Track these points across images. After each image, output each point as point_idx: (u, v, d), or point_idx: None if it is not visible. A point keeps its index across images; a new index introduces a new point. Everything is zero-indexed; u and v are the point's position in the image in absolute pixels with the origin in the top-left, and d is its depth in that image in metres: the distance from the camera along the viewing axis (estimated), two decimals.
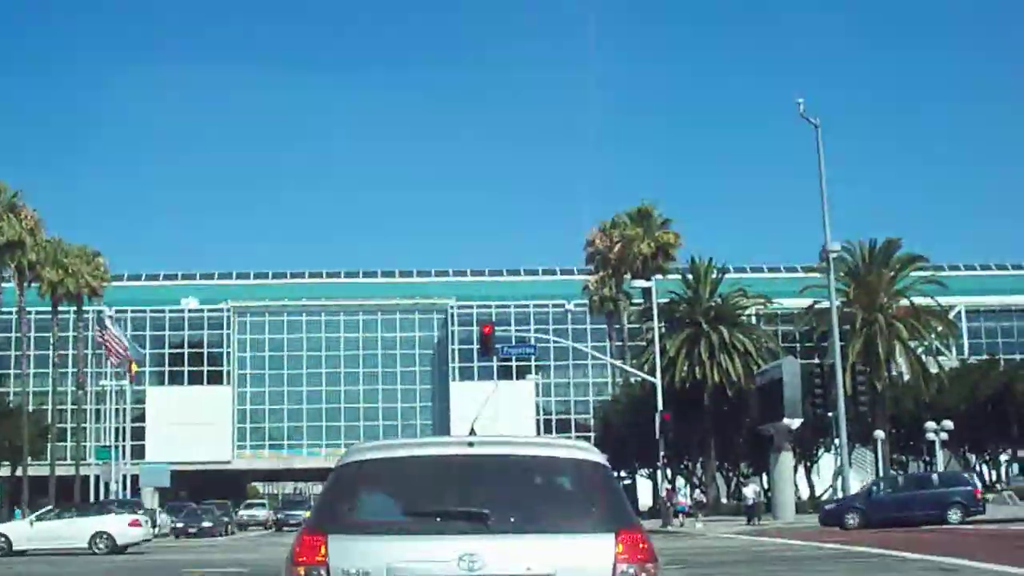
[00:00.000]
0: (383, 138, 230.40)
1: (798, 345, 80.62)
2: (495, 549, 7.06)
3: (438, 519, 7.31)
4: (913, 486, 50.44)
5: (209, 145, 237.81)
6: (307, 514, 64.00)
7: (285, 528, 71.18)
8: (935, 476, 53.65)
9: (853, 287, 67.65)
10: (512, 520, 7.28)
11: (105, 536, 41.54)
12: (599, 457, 8.12)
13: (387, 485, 7.82)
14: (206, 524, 66.52)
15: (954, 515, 44.44)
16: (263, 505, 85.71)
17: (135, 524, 43.55)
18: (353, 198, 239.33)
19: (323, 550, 7.20)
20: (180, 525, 66.91)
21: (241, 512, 79.76)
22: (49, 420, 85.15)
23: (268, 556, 37.90)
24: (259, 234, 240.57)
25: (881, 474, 64.03)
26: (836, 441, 67.23)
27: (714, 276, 73.16)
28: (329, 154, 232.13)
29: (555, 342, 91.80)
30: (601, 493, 7.73)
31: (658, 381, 59.81)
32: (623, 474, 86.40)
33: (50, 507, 54.23)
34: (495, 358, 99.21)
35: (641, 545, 7.31)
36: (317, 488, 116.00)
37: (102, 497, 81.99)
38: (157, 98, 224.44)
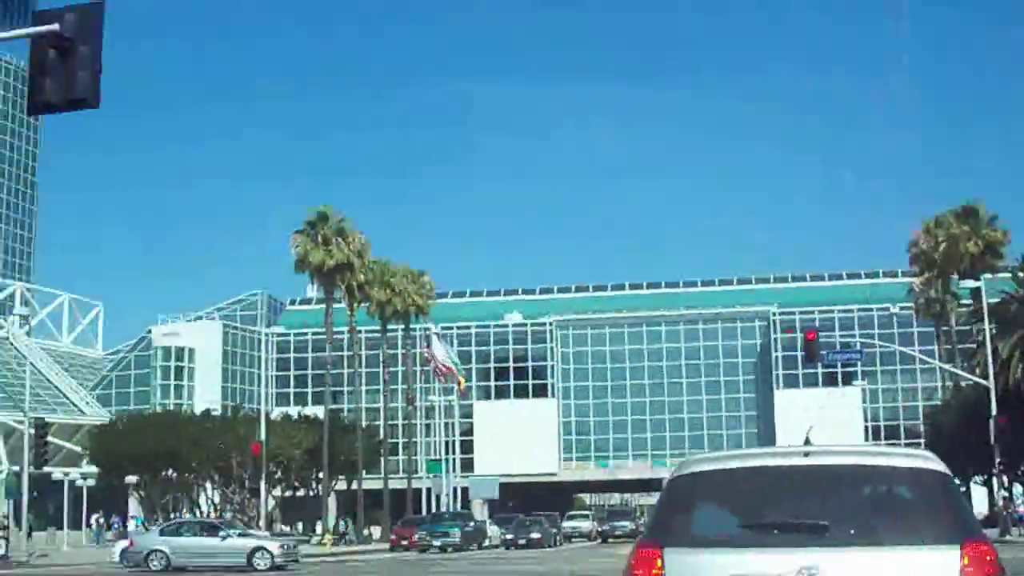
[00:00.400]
0: (695, 143, 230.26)
1: None
2: (835, 562, 6.80)
3: (776, 531, 7.08)
4: None
5: (531, 169, 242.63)
6: (631, 525, 63.62)
7: (610, 539, 70.85)
8: None
9: None
10: (852, 532, 7.01)
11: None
12: (939, 465, 7.68)
13: (722, 497, 7.61)
14: (535, 535, 66.61)
15: None
16: (586, 517, 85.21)
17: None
18: (671, 209, 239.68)
19: (659, 563, 7.12)
20: (510, 537, 67.29)
21: (564, 524, 79.66)
22: (382, 435, 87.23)
23: (596, 567, 37.83)
24: (578, 248, 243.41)
25: None
26: None
27: None
28: (645, 163, 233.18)
29: (881, 347, 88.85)
30: (943, 503, 7.38)
31: (991, 385, 57.02)
32: (956, 482, 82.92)
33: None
34: (819, 365, 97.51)
35: (988, 558, 6.93)
36: (641, 499, 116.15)
37: (433, 509, 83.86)
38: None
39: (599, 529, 77.94)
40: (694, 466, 7.81)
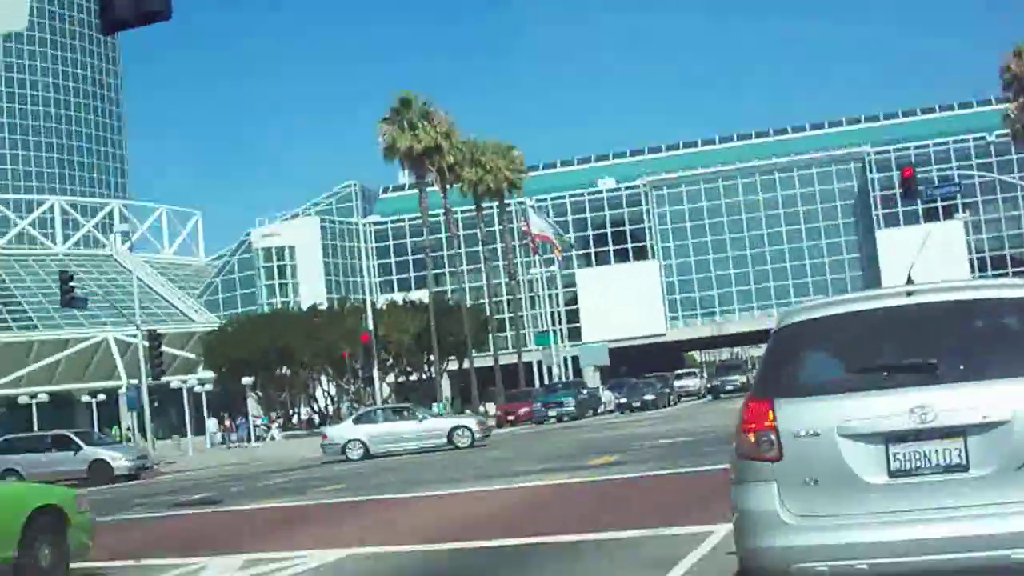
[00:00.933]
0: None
1: None
2: (946, 399, 6.63)
3: (884, 374, 6.93)
4: None
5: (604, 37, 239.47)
6: (741, 378, 62.93)
7: (721, 395, 70.24)
8: None
9: None
10: (961, 368, 6.83)
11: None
12: None
13: (828, 344, 7.43)
14: (648, 397, 66.87)
15: None
16: (693, 374, 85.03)
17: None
18: (755, 56, 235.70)
19: (771, 415, 6.97)
20: (624, 400, 67.64)
21: (673, 383, 79.10)
22: (487, 313, 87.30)
23: (712, 423, 37.51)
24: (663, 107, 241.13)
25: None
26: None
27: None
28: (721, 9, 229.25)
29: (980, 177, 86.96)
30: None
31: None
32: None
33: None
34: (919, 201, 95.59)
35: None
36: (751, 351, 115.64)
37: (544, 381, 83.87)
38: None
39: (709, 385, 77.62)
40: (797, 315, 7.66)
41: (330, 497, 23.51)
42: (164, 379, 66.06)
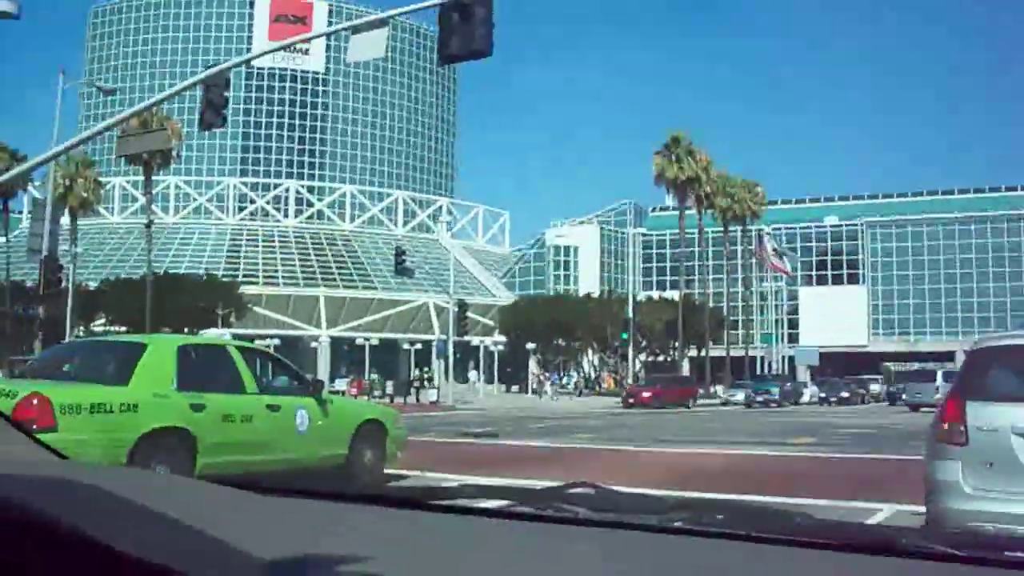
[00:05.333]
0: None
1: None
2: None
3: None
4: None
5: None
6: (934, 394, 59.79)
7: (898, 401, 63.05)
8: None
9: None
10: None
11: None
12: None
13: (1010, 364, 7.73)
14: (844, 394, 64.94)
15: None
16: (875, 381, 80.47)
17: None
18: (957, 123, 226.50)
19: (962, 412, 7.39)
20: (823, 395, 65.74)
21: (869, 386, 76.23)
22: (725, 313, 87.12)
23: (891, 421, 36.82)
24: (890, 156, 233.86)
25: None
26: None
27: None
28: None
29: None
30: None
31: None
32: None
33: None
34: None
35: None
36: (939, 368, 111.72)
37: (766, 372, 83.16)
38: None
39: (889, 390, 70.20)
40: (988, 341, 8.12)
41: (579, 443, 23.41)
42: (467, 338, 67.96)
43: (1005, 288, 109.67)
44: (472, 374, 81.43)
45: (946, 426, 7.49)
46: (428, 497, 2.25)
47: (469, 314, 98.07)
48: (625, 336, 65.62)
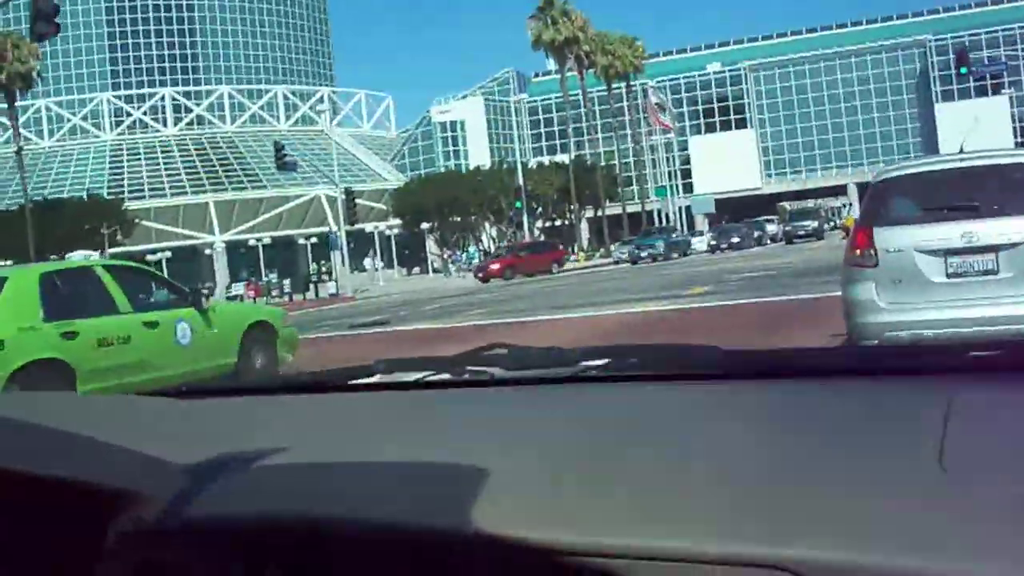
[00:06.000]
0: None
1: None
2: (985, 228, 7.92)
3: (945, 211, 8.21)
4: None
5: None
6: (814, 223, 58.94)
7: (795, 240, 61.90)
8: None
9: None
10: (995, 208, 8.06)
11: None
12: None
13: (909, 191, 8.69)
14: (735, 240, 62.47)
15: None
16: (772, 221, 77.98)
17: None
18: None
19: (870, 235, 8.27)
20: (714, 243, 63.29)
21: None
22: (617, 171, 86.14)
23: (786, 260, 35.91)
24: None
25: None
26: None
27: None
28: None
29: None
30: None
31: None
32: None
33: None
34: (971, 80, 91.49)
35: None
36: (831, 202, 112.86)
37: (665, 224, 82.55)
38: None
39: (784, 229, 67.88)
40: (888, 172, 9.15)
41: (470, 320, 22.74)
42: (359, 225, 66.11)
43: (889, 118, 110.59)
44: (368, 262, 79.75)
45: (858, 251, 8.34)
46: (343, 378, 2.23)
47: (361, 201, 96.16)
48: (519, 205, 63.90)
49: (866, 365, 1.77)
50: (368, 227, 77.04)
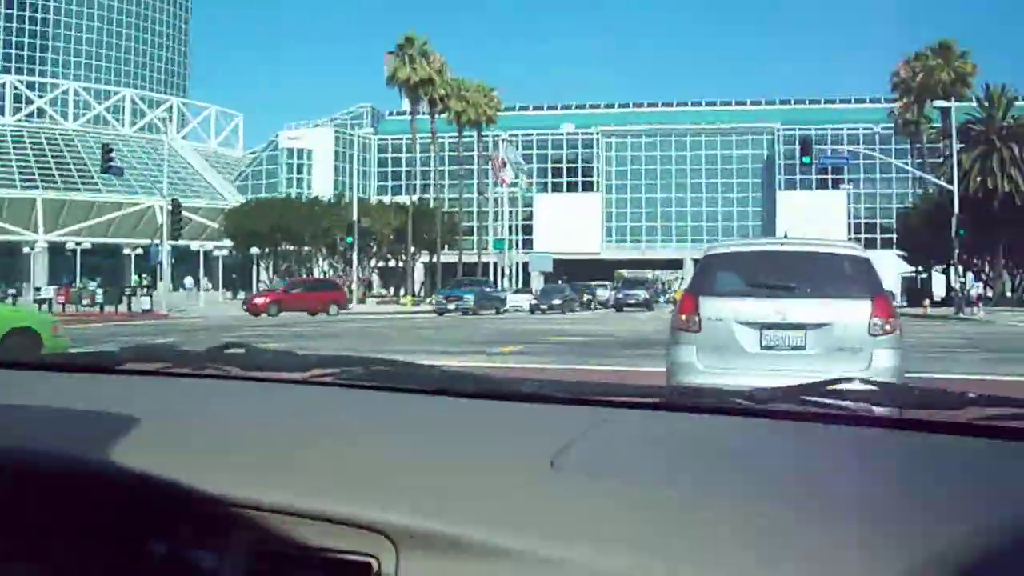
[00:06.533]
0: None
1: None
2: (797, 307, 8.59)
3: (765, 289, 8.74)
4: None
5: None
6: (645, 294, 57.31)
7: (625, 308, 60.73)
8: None
9: None
10: (809, 290, 8.73)
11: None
12: (863, 253, 9.42)
13: (733, 268, 9.28)
14: (556, 302, 57.76)
15: None
16: (603, 286, 76.92)
17: None
18: (693, 43, 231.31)
19: (695, 304, 8.77)
20: (534, 302, 58.46)
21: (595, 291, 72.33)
22: (457, 219, 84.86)
23: (609, 328, 34.38)
24: (622, 69, 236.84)
25: None
26: None
27: (1007, 99, 64.59)
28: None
29: (865, 154, 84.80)
30: (865, 275, 8.84)
31: (955, 188, 53.00)
32: (918, 269, 79.69)
33: None
34: (813, 171, 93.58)
35: (886, 305, 8.66)
36: (665, 274, 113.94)
37: (500, 278, 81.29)
38: None
39: (616, 296, 66.12)
40: (717, 249, 9.91)
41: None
42: (184, 242, 63.05)
43: (732, 199, 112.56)
44: (188, 280, 76.23)
45: (684, 317, 8.83)
46: (97, 362, 2.37)
47: (196, 218, 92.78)
48: (350, 240, 61.52)
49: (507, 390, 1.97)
50: (194, 245, 73.77)
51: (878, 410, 1.79)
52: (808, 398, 1.79)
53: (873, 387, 1.81)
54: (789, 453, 1.52)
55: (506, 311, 56.63)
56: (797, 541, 1.11)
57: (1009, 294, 66.49)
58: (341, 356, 2.33)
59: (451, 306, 52.28)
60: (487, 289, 59.83)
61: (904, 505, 1.23)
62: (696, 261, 9.96)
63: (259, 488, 1.34)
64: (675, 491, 1.26)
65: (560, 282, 75.32)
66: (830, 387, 1.74)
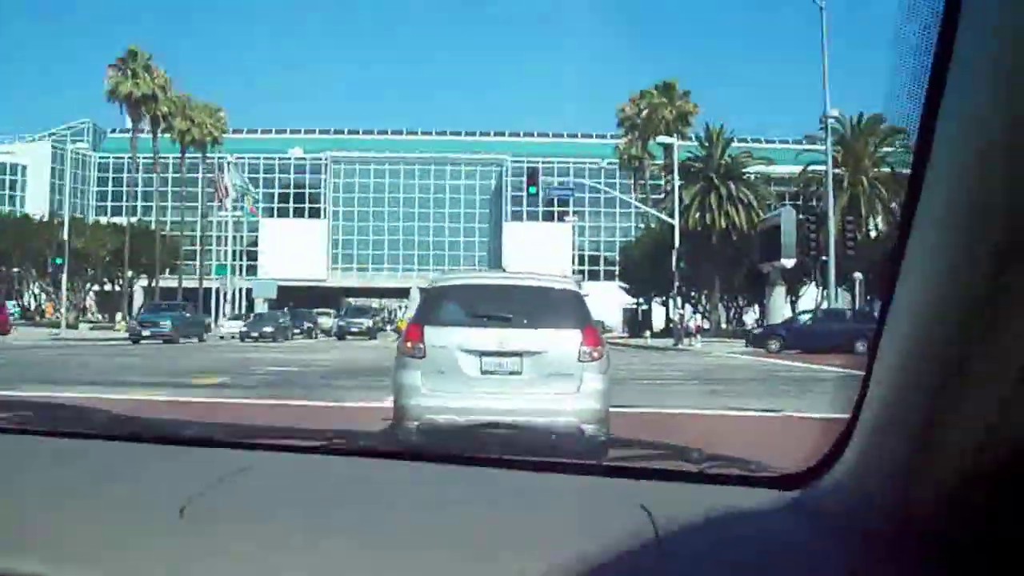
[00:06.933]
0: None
1: (793, 204, 75.64)
2: (515, 336, 9.21)
3: (485, 319, 9.36)
4: (831, 319, 43.84)
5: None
6: (368, 323, 55.69)
7: (348, 336, 59.60)
8: (848, 312, 46.73)
9: (842, 153, 61.72)
10: (525, 321, 9.33)
11: None
12: (576, 287, 10.15)
13: (457, 299, 9.85)
14: (267, 329, 54.70)
15: (860, 346, 39.59)
16: (328, 314, 75.54)
17: None
18: (426, 71, 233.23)
19: (421, 332, 9.30)
20: (244, 330, 55.39)
21: (316, 319, 70.84)
22: (178, 243, 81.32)
23: (326, 357, 33.18)
24: (353, 93, 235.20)
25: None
26: (817, 279, 63.44)
27: (724, 139, 67.90)
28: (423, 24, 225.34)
29: (591, 188, 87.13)
30: (576, 308, 9.60)
31: (676, 223, 55.06)
32: (640, 301, 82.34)
33: None
34: (540, 204, 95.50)
35: (595, 335, 9.44)
36: (393, 303, 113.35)
37: (222, 304, 78.33)
38: None
39: (338, 324, 64.86)
40: (442, 280, 10.52)
41: None
42: None
43: (460, 229, 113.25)
44: None
45: (409, 344, 9.28)
46: None
47: None
48: (59, 261, 57.40)
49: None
50: None
51: (530, 456, 1.91)
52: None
53: (509, 430, 2.04)
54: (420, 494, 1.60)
55: (221, 338, 53.67)
56: None
57: (724, 325, 69.67)
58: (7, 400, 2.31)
59: (146, 332, 47.15)
60: (187, 314, 53.69)
61: (519, 540, 1.35)
62: (423, 290, 10.49)
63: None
64: (306, 535, 1.30)
65: (285, 309, 73.19)
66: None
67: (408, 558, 1.28)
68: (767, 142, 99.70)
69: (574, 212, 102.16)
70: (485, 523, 1.44)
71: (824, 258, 47.93)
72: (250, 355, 34.65)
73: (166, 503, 1.35)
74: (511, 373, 9.08)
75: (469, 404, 8.76)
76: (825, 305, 51.93)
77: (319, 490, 1.53)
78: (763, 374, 26.36)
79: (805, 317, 48.14)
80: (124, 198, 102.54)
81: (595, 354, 9.14)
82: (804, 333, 42.69)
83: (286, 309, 72.68)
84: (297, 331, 63.79)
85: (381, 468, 1.74)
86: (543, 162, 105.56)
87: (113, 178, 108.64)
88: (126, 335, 49.42)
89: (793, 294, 69.22)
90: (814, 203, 61.40)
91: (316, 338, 63.21)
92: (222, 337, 53.58)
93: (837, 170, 58.28)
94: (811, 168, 64.70)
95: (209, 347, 44.11)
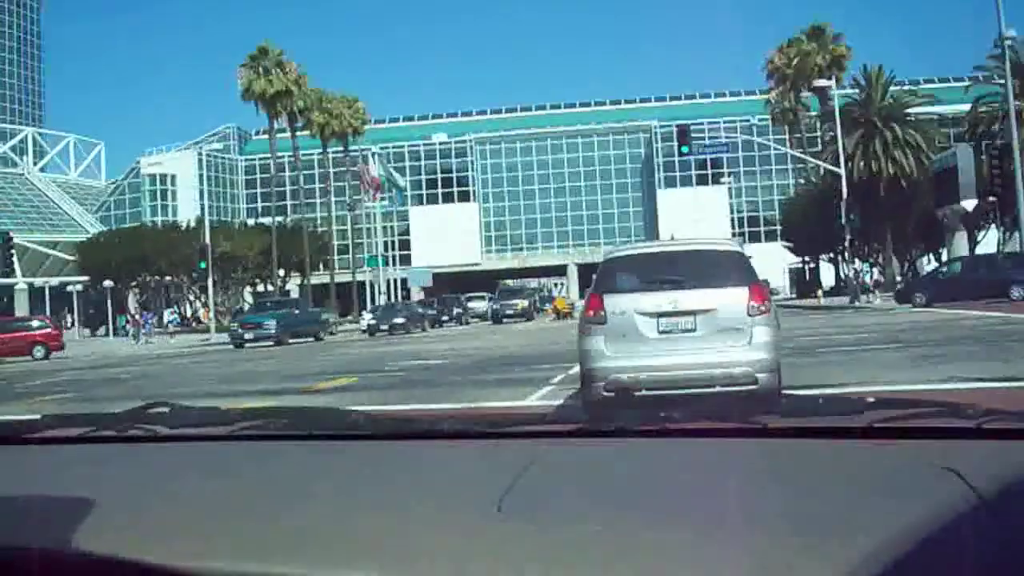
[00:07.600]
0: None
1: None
2: (687, 297, 9.84)
3: (658, 284, 10.02)
4: (980, 267, 40.82)
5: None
6: (525, 303, 52.20)
7: (503, 319, 56.46)
8: (1001, 258, 43.15)
9: (1018, 83, 55.11)
10: (695, 282, 9.92)
11: None
12: (740, 248, 11.00)
13: (631, 268, 10.61)
14: (398, 321, 50.42)
15: (1016, 292, 36.22)
16: (481, 298, 72.32)
17: None
18: (563, 44, 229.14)
19: (601, 301, 10.00)
20: (373, 323, 51.03)
21: (469, 305, 67.53)
22: (327, 238, 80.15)
23: (475, 345, 29.81)
24: (490, 73, 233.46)
25: None
26: (1000, 221, 57.80)
27: (884, 80, 62.06)
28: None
29: (744, 146, 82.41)
30: (741, 267, 10.17)
31: (842, 171, 50.03)
32: (806, 259, 77.42)
33: None
34: (693, 167, 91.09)
35: (761, 291, 9.97)
36: (551, 281, 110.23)
37: (377, 297, 76.54)
38: None
39: (493, 308, 61.72)
40: (615, 253, 11.25)
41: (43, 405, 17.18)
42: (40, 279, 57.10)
43: (612, 201, 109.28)
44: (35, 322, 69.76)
45: (591, 313, 10.04)
46: (8, 432, 2.24)
47: (56, 253, 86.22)
48: (203, 265, 56.01)
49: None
50: (38, 281, 67.59)
51: (782, 421, 1.87)
52: (707, 413, 1.93)
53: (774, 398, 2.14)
54: (700, 472, 1.55)
55: (322, 337, 47.49)
56: (723, 559, 1.15)
57: (898, 279, 64.07)
58: (262, 408, 2.34)
59: (248, 335, 42.88)
60: (296, 311, 49.03)
61: (815, 514, 1.26)
62: (581, 267, 12.13)
63: (234, 559, 1.26)
64: (615, 527, 1.26)
65: (444, 296, 71.21)
66: (735, 403, 1.99)
67: (731, 537, 1.19)
68: (926, 82, 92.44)
69: (728, 172, 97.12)
70: (781, 497, 1.35)
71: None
72: (387, 349, 31.66)
73: (478, 498, 1.35)
74: (686, 331, 9.82)
75: (650, 362, 9.66)
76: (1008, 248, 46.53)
77: (600, 475, 1.52)
78: (975, 332, 21.34)
79: (955, 266, 43.20)
80: (271, 198, 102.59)
81: (763, 308, 9.83)
82: (951, 283, 38.63)
83: (444, 296, 70.47)
84: (446, 318, 61.65)
85: (640, 449, 1.74)
86: (692, 125, 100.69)
87: (261, 179, 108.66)
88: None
89: (973, 242, 63.25)
90: (990, 142, 55.18)
91: (467, 324, 60.45)
92: (319, 337, 47.21)
93: (1017, 102, 52.27)
94: (983, 102, 58.62)
95: (335, 344, 40.81)
